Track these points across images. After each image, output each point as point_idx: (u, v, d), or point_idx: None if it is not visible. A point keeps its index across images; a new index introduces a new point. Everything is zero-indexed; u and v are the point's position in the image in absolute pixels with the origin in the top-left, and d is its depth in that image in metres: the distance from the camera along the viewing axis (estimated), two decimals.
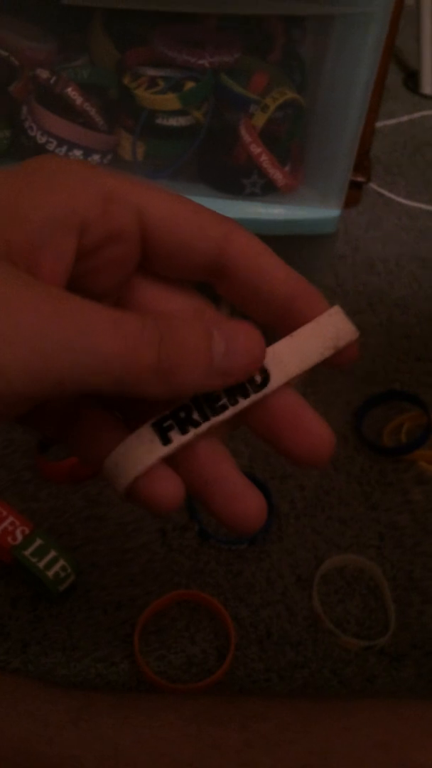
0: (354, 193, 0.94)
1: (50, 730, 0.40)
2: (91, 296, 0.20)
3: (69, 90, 0.53)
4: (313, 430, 0.20)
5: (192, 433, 0.20)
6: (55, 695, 0.43)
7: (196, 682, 0.50)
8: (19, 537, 0.52)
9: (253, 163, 0.56)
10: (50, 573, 0.51)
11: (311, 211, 0.58)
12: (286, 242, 0.62)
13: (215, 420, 0.20)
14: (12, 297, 0.17)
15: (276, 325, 0.21)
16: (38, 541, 0.51)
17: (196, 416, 0.20)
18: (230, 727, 0.40)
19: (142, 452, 0.20)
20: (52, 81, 0.53)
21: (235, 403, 0.20)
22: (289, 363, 0.20)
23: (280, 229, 0.58)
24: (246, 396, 0.20)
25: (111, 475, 0.21)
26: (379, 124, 1.05)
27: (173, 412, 0.20)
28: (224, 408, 0.20)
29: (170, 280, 0.22)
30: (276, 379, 0.20)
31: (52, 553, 0.51)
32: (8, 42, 0.55)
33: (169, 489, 0.20)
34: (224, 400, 0.20)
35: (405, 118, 1.14)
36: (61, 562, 0.51)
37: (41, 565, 0.50)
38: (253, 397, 0.20)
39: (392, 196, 0.98)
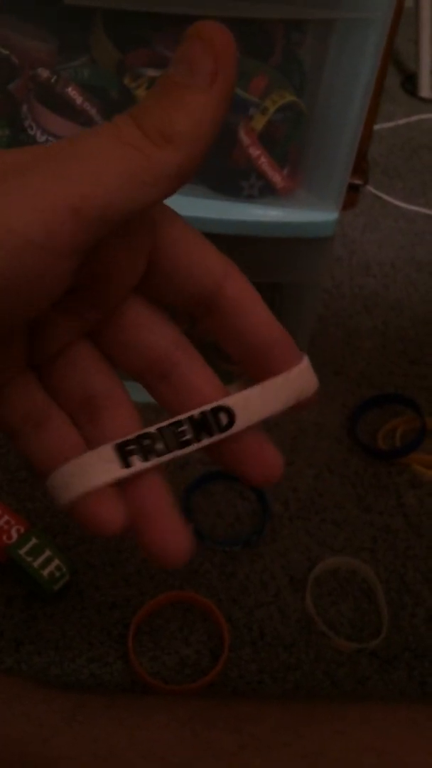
0: (351, 196, 0.94)
1: (44, 730, 0.41)
2: (91, 294, 0.20)
3: (69, 90, 0.53)
4: (267, 461, 0.21)
5: (153, 461, 0.21)
6: (49, 695, 0.43)
7: (189, 683, 0.50)
8: (14, 536, 0.52)
9: (252, 165, 0.56)
10: (45, 572, 0.51)
11: (309, 213, 0.58)
12: (283, 244, 0.62)
13: (177, 453, 0.21)
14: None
15: (249, 366, 0.22)
16: (33, 541, 0.51)
17: (159, 446, 0.21)
18: (224, 729, 0.40)
19: (100, 470, 0.21)
20: (52, 80, 0.53)
21: (199, 440, 0.21)
22: (255, 410, 0.21)
23: (278, 231, 0.58)
24: (211, 435, 0.21)
25: (59, 483, 0.21)
26: (376, 127, 1.05)
27: (138, 437, 0.21)
28: (188, 443, 0.21)
29: (157, 307, 0.22)
30: (240, 423, 0.21)
31: (47, 553, 0.51)
32: (9, 41, 0.55)
33: (115, 514, 0.20)
34: (189, 436, 0.21)
35: (403, 120, 1.15)
36: (56, 562, 0.51)
37: (36, 564, 0.50)
38: (217, 437, 0.21)
39: (389, 198, 0.98)
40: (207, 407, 0.21)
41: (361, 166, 0.93)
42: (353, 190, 0.94)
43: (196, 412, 0.21)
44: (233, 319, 0.21)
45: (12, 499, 0.59)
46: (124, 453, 0.21)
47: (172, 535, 0.21)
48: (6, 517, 0.52)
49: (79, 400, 0.22)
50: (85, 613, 0.53)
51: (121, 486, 0.21)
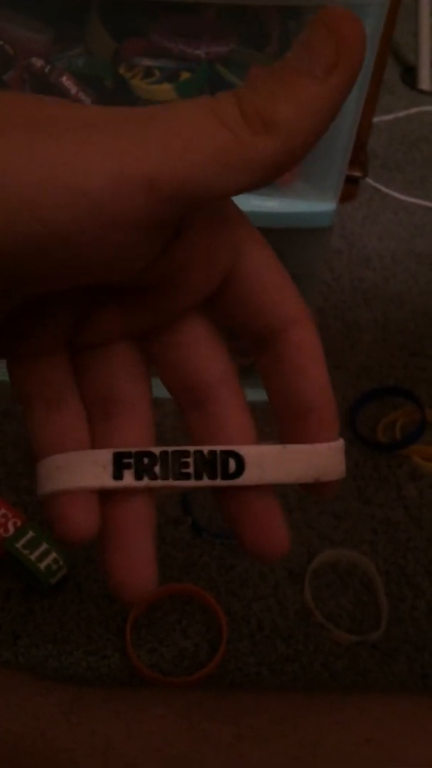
0: (350, 188, 0.94)
1: (42, 723, 0.40)
2: (155, 298, 0.19)
3: (63, 79, 0.53)
4: (270, 534, 0.20)
5: (145, 482, 0.19)
6: (46, 688, 0.43)
7: (187, 675, 0.50)
8: (11, 529, 0.51)
9: None
10: (42, 565, 0.50)
11: (307, 204, 0.58)
12: (281, 235, 0.61)
13: (172, 483, 0.20)
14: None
15: (283, 422, 0.20)
16: (30, 534, 0.51)
17: (157, 469, 0.19)
18: (222, 721, 0.40)
19: (90, 473, 0.20)
20: (46, 70, 0.53)
21: (199, 478, 0.19)
22: (268, 471, 0.20)
23: (276, 221, 0.58)
24: (212, 478, 0.19)
25: (46, 472, 0.20)
26: (376, 119, 1.05)
27: (139, 452, 0.20)
28: (186, 477, 0.19)
29: (217, 334, 0.21)
30: (249, 478, 0.19)
31: (44, 546, 0.51)
32: (4, 31, 0.55)
33: (86, 524, 0.19)
34: (190, 470, 0.19)
35: (402, 113, 1.14)
36: (53, 555, 0.51)
37: (33, 557, 0.50)
38: (218, 483, 0.19)
39: (389, 191, 0.97)
40: (219, 448, 0.20)
41: (360, 159, 0.92)
42: (353, 182, 0.93)
43: (206, 448, 0.20)
44: (285, 367, 0.20)
45: (9, 493, 0.59)
46: (119, 464, 0.20)
47: (139, 568, 0.19)
48: (3, 511, 0.52)
49: (100, 398, 0.21)
50: (83, 606, 0.53)
51: (105, 498, 0.20)
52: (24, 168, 0.14)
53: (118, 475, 0.19)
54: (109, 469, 0.19)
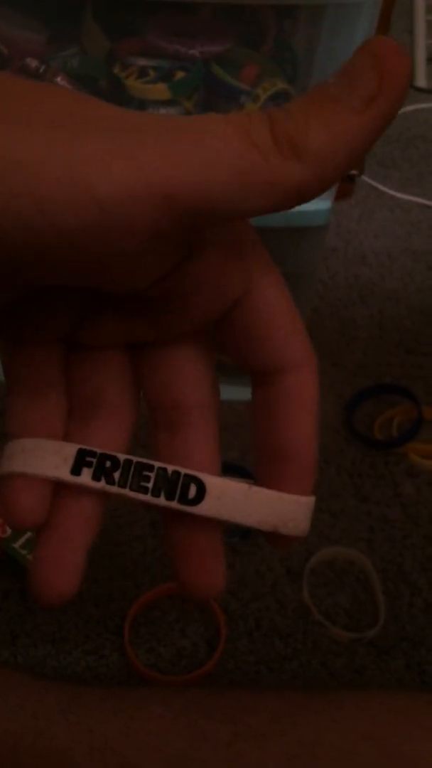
0: (347, 186, 0.94)
1: (39, 722, 0.40)
2: (160, 310, 0.19)
3: (58, 79, 0.53)
4: (209, 580, 0.19)
5: (100, 485, 0.19)
6: (44, 687, 0.43)
7: (186, 674, 0.50)
8: (9, 530, 0.51)
9: None
10: None
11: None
12: (277, 233, 0.61)
13: (127, 493, 0.19)
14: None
15: (260, 463, 0.20)
16: (28, 534, 0.51)
17: (116, 475, 0.19)
18: (220, 719, 0.40)
19: (51, 462, 0.19)
20: (41, 70, 0.53)
21: (157, 495, 0.19)
22: (227, 506, 0.19)
23: (271, 220, 0.58)
24: (169, 499, 0.19)
25: (9, 452, 0.20)
26: None
27: (103, 455, 0.19)
28: (143, 491, 0.19)
29: (208, 363, 0.21)
30: (205, 509, 0.19)
31: None
32: None
33: (34, 510, 0.19)
34: (149, 485, 0.19)
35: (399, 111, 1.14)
36: None
37: (31, 557, 0.50)
38: (173, 505, 0.19)
39: (385, 189, 0.97)
40: (184, 470, 0.19)
41: None
42: (349, 180, 0.93)
43: (171, 468, 0.19)
44: (276, 410, 0.19)
45: None
46: (81, 461, 0.19)
47: (62, 572, 0.19)
48: None
49: (84, 398, 0.21)
50: (82, 606, 0.53)
51: (58, 491, 0.20)
52: (40, 165, 0.14)
53: (76, 471, 0.19)
54: (70, 463, 0.19)
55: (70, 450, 0.20)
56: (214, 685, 0.50)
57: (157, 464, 0.19)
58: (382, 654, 0.52)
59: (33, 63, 0.53)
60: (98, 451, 0.20)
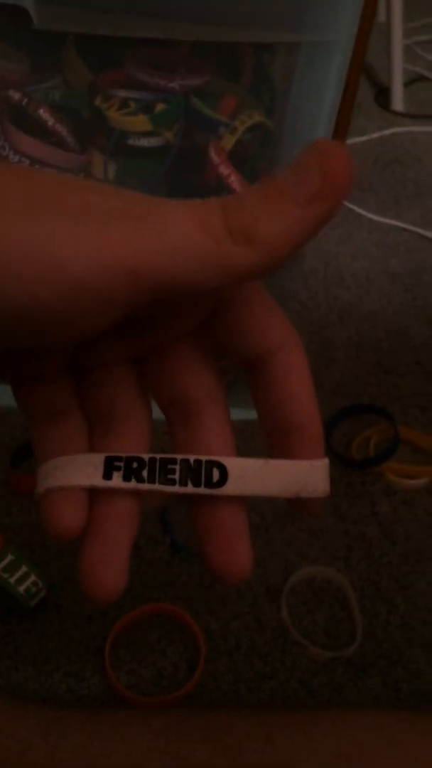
0: None
1: (19, 744, 0.41)
2: (146, 327, 0.21)
3: (41, 111, 0.54)
4: (234, 552, 0.21)
5: (132, 484, 0.21)
6: (24, 710, 0.43)
7: (166, 694, 0.51)
8: None
9: (223, 183, 0.57)
10: (21, 589, 0.51)
11: None
12: None
13: (158, 488, 0.21)
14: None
15: (271, 440, 0.22)
16: (9, 557, 0.52)
17: (144, 473, 0.21)
18: (197, 739, 0.41)
19: (82, 472, 0.21)
20: (24, 102, 0.54)
21: (184, 484, 0.21)
22: (249, 483, 0.21)
23: None
24: (196, 485, 0.21)
25: (43, 473, 0.22)
26: (350, 141, 1.07)
27: (129, 457, 0.21)
28: (172, 483, 0.21)
29: (206, 353, 0.22)
30: (230, 489, 0.21)
31: (24, 569, 0.51)
32: None
33: (73, 519, 0.20)
34: (176, 476, 0.21)
35: (376, 134, 1.16)
36: (33, 578, 0.52)
37: (12, 580, 0.51)
38: (201, 490, 0.21)
39: (362, 211, 0.99)
40: (204, 457, 0.21)
41: None
42: None
43: (192, 457, 0.21)
44: (273, 387, 0.21)
45: None
46: (110, 466, 0.21)
47: (112, 567, 0.20)
48: None
49: (100, 414, 0.22)
50: (63, 628, 0.54)
51: (94, 499, 0.21)
52: (16, 244, 0.16)
53: (107, 476, 0.21)
54: (100, 469, 0.21)
55: (99, 458, 0.21)
56: (194, 704, 0.50)
57: (179, 457, 0.21)
58: (359, 672, 0.53)
59: (16, 95, 0.54)
60: (124, 455, 0.21)
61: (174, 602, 0.56)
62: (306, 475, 0.21)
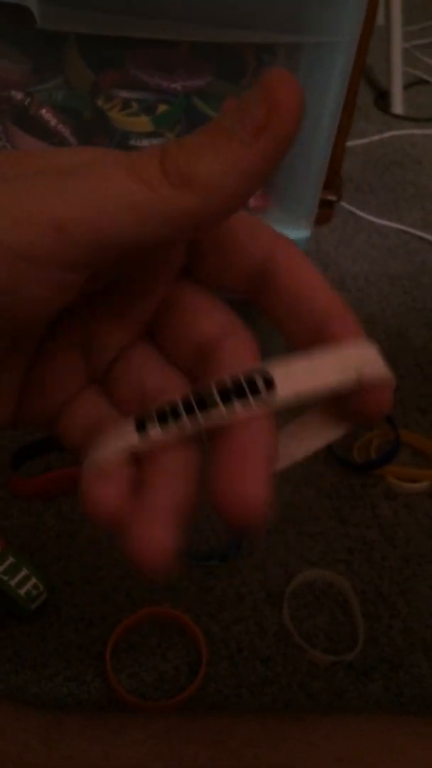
0: (325, 212, 0.96)
1: (18, 748, 0.41)
2: (134, 295, 0.20)
3: (43, 112, 0.54)
4: (248, 492, 0.17)
5: (171, 429, 0.17)
6: (24, 713, 0.43)
7: (168, 698, 0.50)
8: None
9: None
10: (22, 591, 0.51)
11: (282, 231, 0.60)
12: None
13: (201, 421, 0.17)
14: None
15: (307, 346, 0.19)
16: (10, 560, 0.51)
17: (181, 410, 0.17)
18: (199, 743, 0.40)
19: (114, 440, 0.18)
20: (26, 103, 0.54)
21: (228, 401, 0.17)
22: (301, 380, 0.17)
23: None
24: (243, 397, 0.17)
25: (86, 464, 0.19)
26: (350, 144, 1.07)
27: (159, 407, 0.18)
28: (214, 404, 0.17)
29: (206, 291, 0.21)
30: (282, 392, 0.17)
31: (24, 572, 0.51)
32: None
33: (107, 498, 0.17)
34: (217, 398, 0.17)
35: (376, 137, 1.16)
36: (33, 581, 0.51)
37: (13, 583, 0.51)
38: (253, 406, 0.17)
39: (362, 214, 0.99)
40: (240, 373, 0.17)
41: (334, 183, 0.94)
42: (327, 205, 0.95)
43: (227, 376, 0.17)
44: (287, 283, 0.19)
45: None
46: (142, 423, 0.18)
47: (156, 528, 0.17)
48: None
49: (132, 395, 0.20)
50: (63, 631, 0.53)
51: (141, 464, 0.18)
52: None
53: (142, 429, 0.18)
54: (132, 426, 0.18)
55: (128, 421, 0.18)
56: (195, 709, 0.50)
57: (212, 381, 0.18)
58: (360, 676, 0.53)
59: (18, 95, 0.54)
60: (153, 407, 0.18)
61: (174, 606, 0.55)
62: (359, 355, 0.18)
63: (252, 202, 0.58)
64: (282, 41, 0.56)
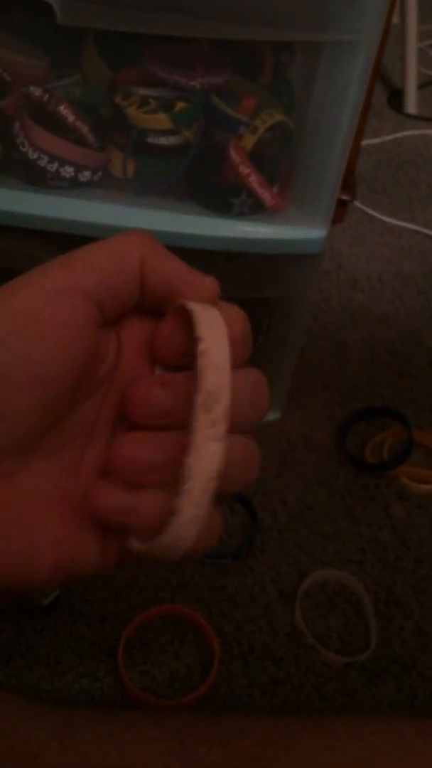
0: (339, 211, 0.95)
1: (33, 745, 0.41)
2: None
3: (62, 108, 0.54)
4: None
5: None
6: (38, 710, 0.43)
7: (180, 696, 0.50)
8: None
9: (242, 183, 0.57)
10: None
11: (298, 231, 0.59)
12: (273, 261, 0.63)
13: None
14: None
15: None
16: None
17: None
18: (212, 743, 0.40)
19: None
20: (45, 99, 0.54)
21: None
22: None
23: (268, 248, 0.59)
24: None
25: None
26: (363, 143, 1.07)
27: None
28: None
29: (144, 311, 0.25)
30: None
31: None
32: (1, 57, 0.56)
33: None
34: None
35: (389, 137, 1.16)
36: None
37: None
38: None
39: (375, 213, 0.99)
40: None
41: (348, 182, 0.94)
42: (341, 205, 0.95)
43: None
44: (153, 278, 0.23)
45: None
46: None
47: None
48: None
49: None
50: (75, 627, 0.53)
51: None
52: None
53: None
54: None
55: None
56: (207, 708, 0.50)
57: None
58: (373, 678, 0.53)
59: (37, 91, 0.54)
60: None
61: (186, 604, 0.55)
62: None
63: (269, 201, 0.58)
64: (303, 39, 0.56)
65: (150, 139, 0.56)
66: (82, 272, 0.22)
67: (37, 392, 0.20)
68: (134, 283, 0.23)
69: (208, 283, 0.24)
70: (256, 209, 0.59)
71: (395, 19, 1.33)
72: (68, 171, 0.56)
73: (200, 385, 0.20)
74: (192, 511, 0.20)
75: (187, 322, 0.23)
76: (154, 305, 0.24)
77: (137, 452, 0.22)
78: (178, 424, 0.22)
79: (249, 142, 0.56)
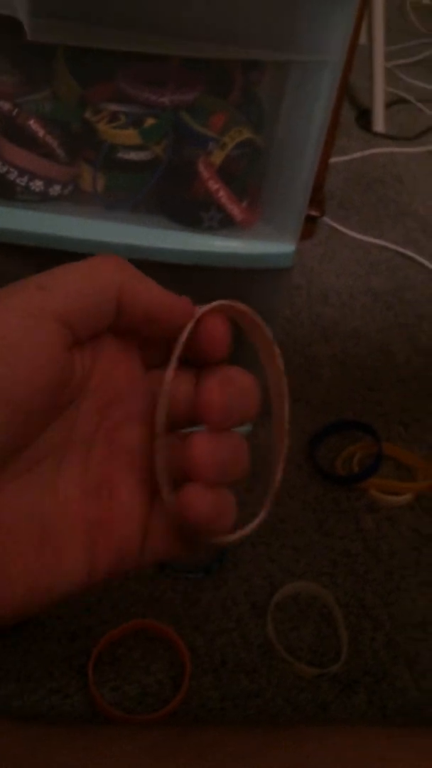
0: (308, 227, 0.97)
1: (6, 762, 0.40)
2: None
3: (31, 123, 0.54)
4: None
5: None
6: (11, 726, 0.42)
7: (151, 712, 0.50)
8: None
9: (211, 198, 0.58)
10: None
11: (268, 245, 0.60)
12: (243, 275, 0.63)
13: None
14: None
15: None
16: None
17: None
18: (187, 756, 0.40)
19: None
20: (14, 113, 0.54)
21: None
22: None
23: (238, 262, 0.59)
24: None
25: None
26: (332, 161, 1.09)
27: None
28: None
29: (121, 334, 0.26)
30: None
31: None
32: None
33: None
34: None
35: (358, 154, 1.18)
36: None
37: None
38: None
39: (345, 230, 1.01)
40: None
41: (317, 199, 0.95)
42: (310, 221, 0.96)
43: None
44: (136, 304, 0.24)
45: None
46: None
47: None
48: None
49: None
50: (46, 644, 0.53)
51: None
52: None
53: None
54: None
55: None
56: (180, 722, 0.50)
57: None
58: (345, 689, 0.53)
59: (6, 106, 0.54)
60: None
61: (159, 618, 0.55)
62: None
63: (238, 216, 0.58)
64: (270, 58, 0.57)
65: (120, 155, 0.57)
66: (57, 296, 0.22)
67: (8, 411, 0.20)
68: (109, 308, 0.23)
69: (184, 305, 0.25)
70: (225, 224, 0.59)
71: (363, 40, 1.36)
72: (38, 185, 0.57)
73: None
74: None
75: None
76: (130, 328, 0.25)
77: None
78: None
79: (218, 158, 0.57)
